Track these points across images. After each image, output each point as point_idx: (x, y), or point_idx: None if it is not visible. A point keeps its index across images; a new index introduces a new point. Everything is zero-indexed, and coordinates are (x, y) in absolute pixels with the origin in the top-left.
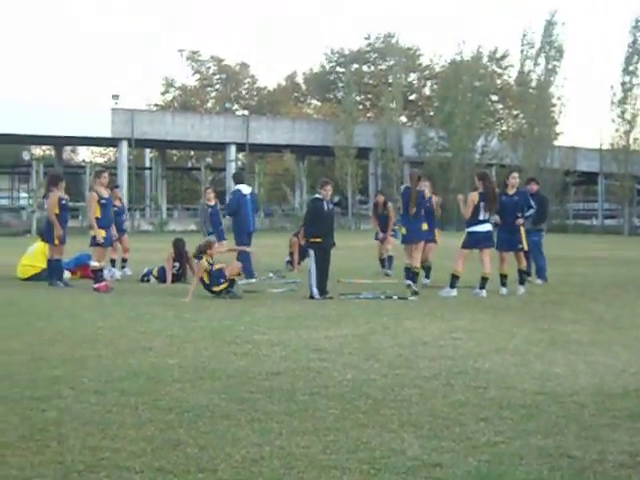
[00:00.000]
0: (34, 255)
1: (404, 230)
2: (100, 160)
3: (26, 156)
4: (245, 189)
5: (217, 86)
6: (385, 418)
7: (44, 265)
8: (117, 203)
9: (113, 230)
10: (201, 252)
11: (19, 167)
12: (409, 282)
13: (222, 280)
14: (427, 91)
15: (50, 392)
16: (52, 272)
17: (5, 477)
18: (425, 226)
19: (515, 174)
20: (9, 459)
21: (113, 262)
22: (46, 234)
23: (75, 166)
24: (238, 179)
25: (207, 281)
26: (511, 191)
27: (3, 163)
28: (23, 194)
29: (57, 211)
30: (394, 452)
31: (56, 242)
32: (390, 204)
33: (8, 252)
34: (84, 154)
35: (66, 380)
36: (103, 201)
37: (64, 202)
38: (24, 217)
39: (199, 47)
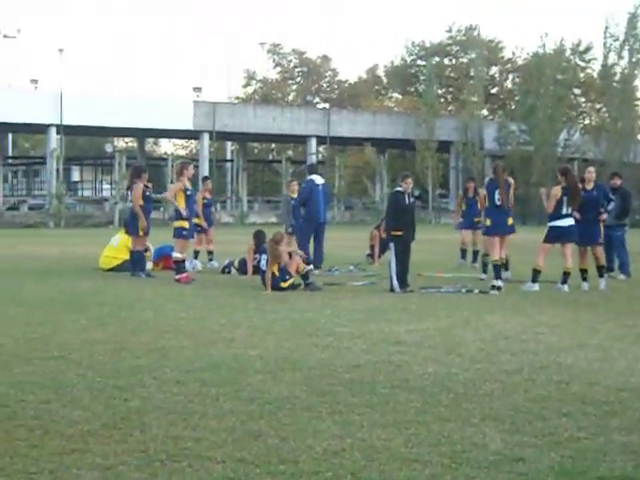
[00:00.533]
0: (118, 247)
1: (489, 222)
2: (182, 152)
3: (109, 148)
4: (318, 179)
5: (298, 79)
6: (467, 412)
7: (126, 257)
8: (207, 195)
9: (202, 222)
10: (277, 243)
11: (102, 159)
12: (499, 281)
13: (287, 277)
14: (509, 84)
15: (133, 381)
16: (135, 263)
17: (89, 465)
18: (510, 220)
19: (591, 169)
20: (93, 447)
21: (197, 254)
22: (130, 225)
23: (157, 158)
24: (312, 170)
25: (277, 274)
26: (589, 186)
27: (87, 155)
28: (106, 185)
29: (141, 202)
30: (476, 446)
31: (140, 233)
32: (481, 191)
33: (91, 243)
34: (166, 146)
35: (149, 370)
36: (188, 192)
37: (147, 194)
38: (106, 208)
39: (280, 40)
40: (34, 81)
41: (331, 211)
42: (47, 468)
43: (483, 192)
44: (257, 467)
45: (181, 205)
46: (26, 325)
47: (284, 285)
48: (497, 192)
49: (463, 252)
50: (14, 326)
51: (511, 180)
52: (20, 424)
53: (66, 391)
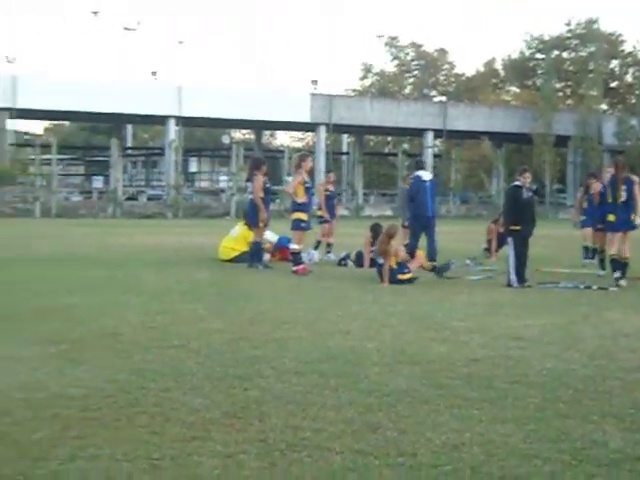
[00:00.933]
0: (237, 238)
1: (612, 217)
2: (298, 145)
3: (226, 140)
4: (425, 175)
5: (415, 72)
6: (586, 409)
7: (245, 248)
8: (329, 187)
9: (324, 213)
10: (390, 237)
11: (219, 150)
12: (618, 274)
13: (406, 270)
14: (629, 78)
15: (252, 371)
16: (253, 254)
17: (210, 452)
18: (633, 216)
19: None
20: (214, 435)
21: (318, 244)
22: (250, 217)
23: (274, 150)
24: (418, 165)
25: (394, 266)
26: None
27: (204, 146)
28: (223, 177)
29: (261, 194)
30: (596, 444)
31: (261, 225)
32: (595, 186)
33: (208, 233)
34: (282, 138)
35: (267, 360)
36: (307, 185)
37: (267, 186)
38: (223, 199)
39: (398, 33)
40: (154, 73)
41: (446, 205)
42: (169, 455)
43: (597, 187)
44: (376, 459)
45: (301, 198)
46: (145, 314)
47: (401, 278)
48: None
49: (586, 250)
50: (134, 315)
51: (635, 178)
52: (142, 411)
53: (186, 379)
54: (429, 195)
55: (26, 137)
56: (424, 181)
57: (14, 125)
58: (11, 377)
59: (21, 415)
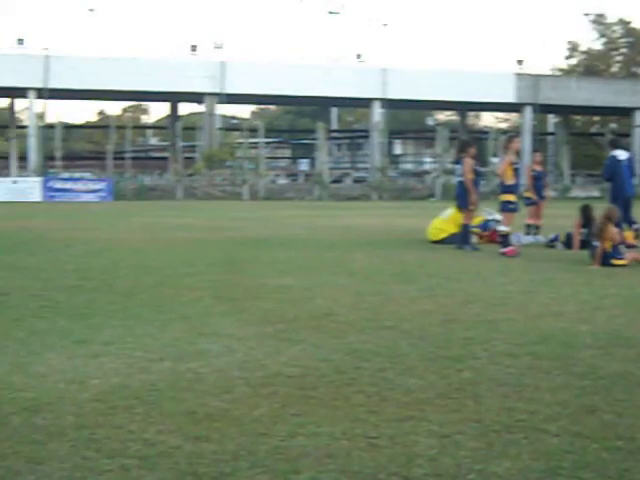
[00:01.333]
0: (447, 220)
1: None
2: (503, 125)
3: (430, 122)
4: (621, 154)
5: (623, 50)
6: None
7: (454, 230)
8: (536, 167)
9: (532, 194)
10: (609, 219)
11: (423, 132)
12: None
13: (620, 256)
14: None
15: (464, 353)
16: (462, 236)
17: (427, 432)
18: None
19: None
20: (429, 415)
21: (529, 227)
22: (460, 200)
23: (478, 131)
24: (614, 144)
25: (609, 250)
26: None
27: (408, 128)
28: (427, 159)
29: (471, 176)
30: None
31: (471, 207)
32: None
33: (414, 215)
34: (487, 119)
35: (479, 342)
36: (515, 166)
37: (475, 168)
38: (428, 181)
39: (605, 10)
40: (358, 56)
41: None
42: (386, 434)
43: None
44: (593, 442)
45: (509, 180)
46: (357, 295)
47: (615, 262)
48: None
49: None
50: (346, 296)
51: None
52: (358, 390)
53: (399, 360)
54: (627, 174)
55: (233, 121)
56: (620, 160)
57: (222, 110)
58: (230, 356)
59: (241, 392)
